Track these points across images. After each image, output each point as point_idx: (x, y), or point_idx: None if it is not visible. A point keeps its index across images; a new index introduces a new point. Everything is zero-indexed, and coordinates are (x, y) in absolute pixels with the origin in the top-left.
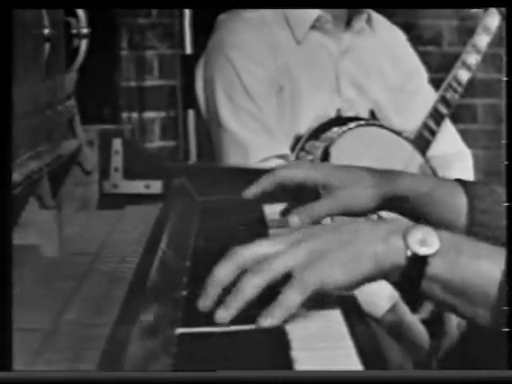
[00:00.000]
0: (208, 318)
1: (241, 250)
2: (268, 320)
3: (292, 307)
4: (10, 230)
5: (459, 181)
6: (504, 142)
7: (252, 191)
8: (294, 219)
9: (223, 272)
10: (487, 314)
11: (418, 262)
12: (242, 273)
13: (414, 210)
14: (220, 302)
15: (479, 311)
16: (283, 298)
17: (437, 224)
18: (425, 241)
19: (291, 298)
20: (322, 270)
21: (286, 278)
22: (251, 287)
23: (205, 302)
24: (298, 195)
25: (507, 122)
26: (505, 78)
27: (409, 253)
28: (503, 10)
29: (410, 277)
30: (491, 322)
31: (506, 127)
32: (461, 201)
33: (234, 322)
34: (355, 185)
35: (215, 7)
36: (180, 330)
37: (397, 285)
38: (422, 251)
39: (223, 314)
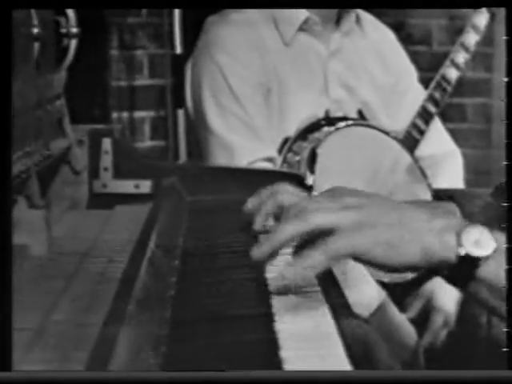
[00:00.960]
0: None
1: (285, 193)
2: (291, 276)
3: (317, 265)
4: (10, 231)
5: (456, 201)
6: (504, 141)
7: (264, 250)
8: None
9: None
10: None
11: (468, 263)
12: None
13: None
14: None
15: None
16: (312, 254)
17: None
18: (479, 242)
19: (319, 257)
20: (361, 241)
21: None
22: (287, 233)
23: (260, 252)
24: None
25: (507, 121)
26: (505, 79)
27: (462, 252)
28: (493, 9)
29: (460, 276)
30: None
31: (506, 127)
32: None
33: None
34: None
35: (206, 7)
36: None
37: (446, 281)
38: (476, 252)
39: (257, 252)
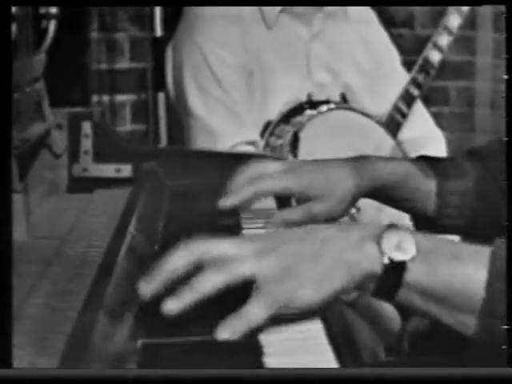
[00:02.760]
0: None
1: (204, 244)
2: (226, 332)
3: (253, 322)
4: (10, 227)
5: (429, 160)
6: (504, 140)
7: (229, 201)
8: (277, 215)
9: (179, 262)
10: (473, 320)
11: (393, 269)
12: (197, 269)
13: (394, 197)
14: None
15: (464, 319)
16: (246, 311)
17: (411, 207)
18: (401, 245)
19: (254, 312)
20: (289, 287)
21: (244, 290)
22: (210, 284)
23: (148, 287)
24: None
25: (507, 121)
26: (505, 77)
27: (385, 259)
28: None
29: (387, 285)
30: (479, 329)
31: (505, 126)
32: (432, 183)
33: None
34: (336, 187)
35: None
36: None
37: (372, 295)
38: (399, 256)
39: (174, 305)
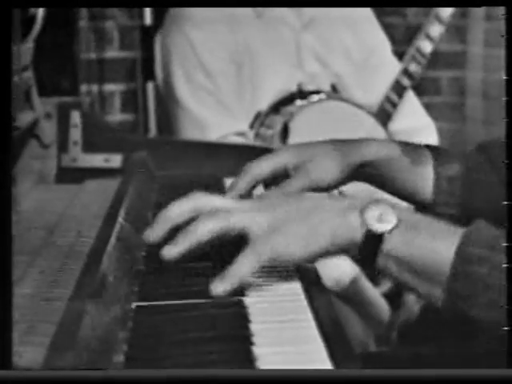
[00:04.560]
0: (165, 292)
1: (202, 197)
2: (219, 287)
3: (243, 275)
4: (9, 229)
5: (427, 146)
6: (504, 140)
7: (232, 195)
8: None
9: (177, 210)
10: (441, 293)
11: (373, 239)
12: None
13: (382, 177)
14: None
15: (434, 291)
16: (235, 265)
17: (404, 192)
18: (381, 217)
19: (243, 265)
20: (278, 241)
21: (237, 244)
22: (205, 229)
23: (151, 234)
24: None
25: (507, 121)
26: (505, 77)
27: (364, 228)
28: None
29: (366, 253)
30: (445, 302)
31: (505, 126)
32: (428, 168)
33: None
34: (322, 159)
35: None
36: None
37: (354, 260)
38: (378, 227)
39: (171, 250)
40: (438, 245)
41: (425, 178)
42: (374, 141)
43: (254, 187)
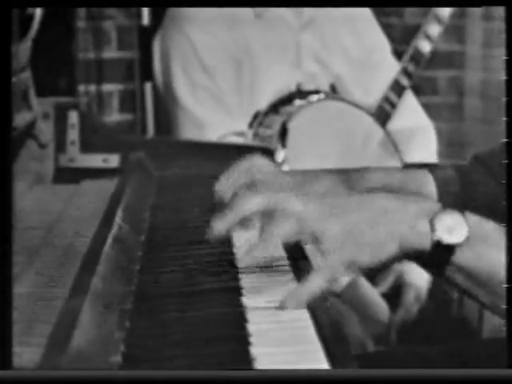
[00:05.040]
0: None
1: (276, 196)
2: (293, 302)
3: (317, 290)
4: (11, 228)
5: (427, 166)
6: (504, 140)
7: (218, 229)
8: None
9: (250, 205)
10: (503, 303)
11: (443, 250)
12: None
13: None
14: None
15: (498, 301)
16: (310, 279)
17: None
18: (453, 228)
19: (318, 280)
20: (350, 251)
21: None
22: (280, 232)
23: (219, 226)
24: None
25: (507, 121)
26: (505, 77)
27: (435, 239)
28: None
29: (433, 263)
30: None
31: (506, 127)
32: (431, 188)
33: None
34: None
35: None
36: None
37: (421, 266)
38: (449, 240)
39: (219, 226)
40: (503, 257)
41: (431, 196)
42: (378, 170)
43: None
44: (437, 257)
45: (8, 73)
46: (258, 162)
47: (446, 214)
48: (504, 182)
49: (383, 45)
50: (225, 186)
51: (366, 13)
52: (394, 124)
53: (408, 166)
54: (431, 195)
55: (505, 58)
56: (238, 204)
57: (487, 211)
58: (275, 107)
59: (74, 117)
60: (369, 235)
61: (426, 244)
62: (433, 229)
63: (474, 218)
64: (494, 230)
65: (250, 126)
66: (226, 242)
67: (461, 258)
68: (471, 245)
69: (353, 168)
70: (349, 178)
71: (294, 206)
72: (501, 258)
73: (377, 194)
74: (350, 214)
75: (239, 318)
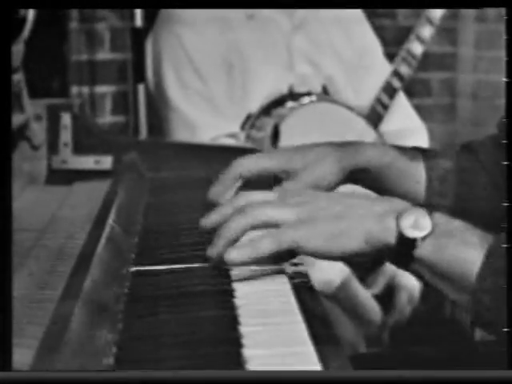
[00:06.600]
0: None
1: (258, 209)
2: (234, 253)
3: (261, 252)
4: (10, 228)
5: (419, 149)
6: (504, 142)
7: (216, 191)
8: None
9: (237, 227)
10: (470, 302)
11: (406, 244)
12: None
13: (377, 182)
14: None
15: (463, 296)
16: (257, 240)
17: (400, 196)
18: (417, 223)
19: (265, 242)
20: (304, 233)
21: None
22: (237, 226)
23: (213, 251)
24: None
25: (507, 122)
26: (505, 79)
27: (396, 233)
28: None
29: (399, 258)
30: (472, 309)
31: (506, 127)
32: (420, 170)
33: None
34: (317, 162)
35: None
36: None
37: (390, 262)
38: (411, 234)
39: (212, 252)
40: (470, 254)
41: (417, 181)
42: (370, 144)
43: (238, 183)
44: (401, 251)
45: (7, 75)
46: (241, 160)
47: (411, 210)
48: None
49: (375, 46)
50: (217, 194)
51: (357, 14)
52: (386, 126)
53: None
54: (420, 177)
55: (506, 59)
56: (225, 230)
57: (475, 199)
58: (267, 109)
59: (66, 118)
60: (326, 225)
61: (391, 238)
62: (398, 224)
63: (441, 216)
64: (462, 227)
65: (242, 127)
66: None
67: (422, 251)
68: (433, 239)
69: (346, 142)
70: (339, 151)
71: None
72: (463, 253)
73: (347, 193)
74: (312, 204)
75: (231, 320)
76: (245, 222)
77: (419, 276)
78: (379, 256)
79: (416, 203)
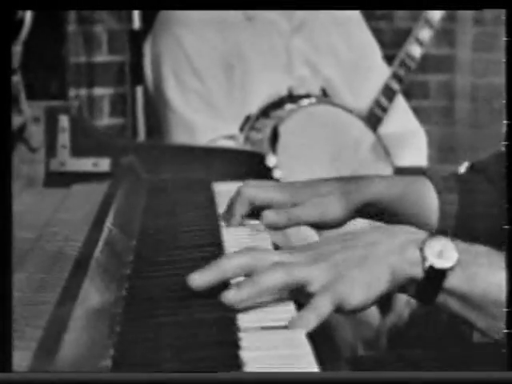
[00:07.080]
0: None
1: (259, 252)
2: (299, 324)
3: (306, 328)
4: (10, 228)
5: (428, 175)
6: (504, 143)
7: (226, 216)
8: (269, 214)
9: (234, 263)
10: (501, 326)
11: (435, 276)
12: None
13: (388, 214)
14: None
15: (495, 323)
16: (300, 316)
17: (412, 224)
18: (442, 253)
19: (307, 319)
20: (339, 291)
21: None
22: (271, 281)
23: (198, 279)
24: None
25: (507, 122)
26: (505, 80)
27: (426, 265)
28: None
29: (427, 290)
30: (502, 333)
31: (506, 128)
32: (432, 197)
33: None
34: (325, 197)
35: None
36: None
37: (412, 297)
38: (440, 264)
39: (235, 297)
40: (499, 277)
41: (427, 209)
42: (378, 178)
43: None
44: (430, 283)
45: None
46: (247, 185)
47: (434, 240)
48: (504, 187)
49: (374, 49)
50: (227, 219)
51: (356, 17)
52: (385, 128)
53: (404, 170)
54: (432, 204)
55: (505, 60)
56: (221, 265)
57: (487, 219)
58: (266, 111)
59: (64, 121)
60: (358, 273)
61: (418, 272)
62: (423, 255)
63: (461, 243)
64: (484, 252)
65: (241, 129)
66: (217, 245)
67: (454, 281)
68: (463, 267)
69: (356, 176)
70: (347, 187)
71: (279, 258)
72: (494, 278)
73: (359, 231)
74: (335, 255)
75: (230, 322)
76: (284, 278)
77: (445, 308)
78: (401, 291)
79: (428, 230)
